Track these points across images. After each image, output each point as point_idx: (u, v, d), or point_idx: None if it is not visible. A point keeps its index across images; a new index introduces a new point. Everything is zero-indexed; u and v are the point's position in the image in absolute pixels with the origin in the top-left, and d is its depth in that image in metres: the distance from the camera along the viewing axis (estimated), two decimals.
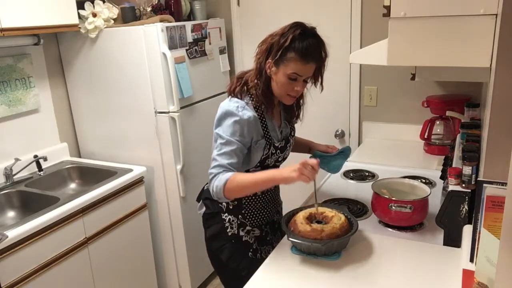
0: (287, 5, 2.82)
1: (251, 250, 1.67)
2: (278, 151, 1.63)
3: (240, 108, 1.51)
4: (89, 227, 2.10)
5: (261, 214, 1.69)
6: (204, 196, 1.72)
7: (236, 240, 1.65)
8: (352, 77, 2.77)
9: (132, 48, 2.38)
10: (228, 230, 1.65)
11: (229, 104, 1.54)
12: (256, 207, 1.67)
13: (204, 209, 1.72)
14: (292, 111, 1.72)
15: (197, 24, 2.60)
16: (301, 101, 1.70)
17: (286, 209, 1.68)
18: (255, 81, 1.54)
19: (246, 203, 1.65)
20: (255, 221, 1.68)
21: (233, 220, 1.65)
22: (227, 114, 1.52)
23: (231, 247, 1.65)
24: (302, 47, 1.44)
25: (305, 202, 1.90)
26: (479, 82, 2.30)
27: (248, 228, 1.67)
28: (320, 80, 1.57)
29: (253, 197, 1.65)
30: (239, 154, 1.51)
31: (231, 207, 1.65)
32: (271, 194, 1.72)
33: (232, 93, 1.58)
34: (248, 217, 1.66)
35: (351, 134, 2.87)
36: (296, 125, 1.78)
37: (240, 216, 1.65)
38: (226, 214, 1.65)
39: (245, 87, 1.57)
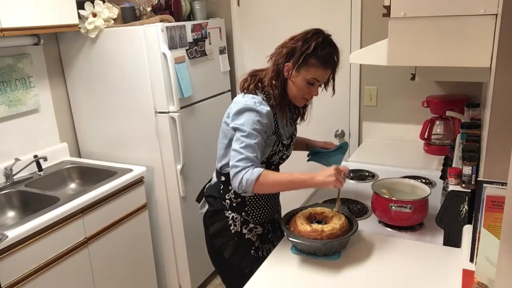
0: (287, 5, 2.82)
1: (253, 248, 1.68)
2: (284, 148, 1.66)
3: (257, 103, 1.53)
4: (89, 227, 2.10)
5: (263, 211, 1.70)
6: (207, 194, 1.73)
7: (239, 238, 1.66)
8: (352, 77, 2.77)
9: (132, 48, 2.38)
10: (231, 228, 1.66)
11: (246, 99, 1.55)
12: (259, 204, 1.68)
13: (206, 207, 1.73)
14: (298, 111, 1.76)
15: (197, 24, 2.60)
16: (308, 101, 1.73)
17: (286, 209, 1.68)
18: (273, 82, 1.57)
19: (250, 200, 1.66)
20: (258, 218, 1.69)
21: (236, 218, 1.66)
22: (246, 108, 1.52)
23: (234, 244, 1.66)
24: (324, 54, 1.50)
25: (305, 202, 1.90)
26: (479, 82, 2.30)
27: (251, 225, 1.68)
28: (332, 84, 1.63)
29: (257, 194, 1.67)
30: (260, 148, 1.52)
31: (234, 205, 1.66)
32: (274, 192, 1.74)
33: (246, 89, 1.60)
34: (251, 214, 1.67)
35: (351, 134, 2.87)
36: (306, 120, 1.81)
37: (243, 213, 1.66)
38: (230, 212, 1.66)
39: (259, 84, 1.60)
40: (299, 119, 1.78)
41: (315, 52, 1.49)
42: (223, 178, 1.66)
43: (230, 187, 1.64)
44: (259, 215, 1.69)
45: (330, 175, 1.43)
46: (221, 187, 1.67)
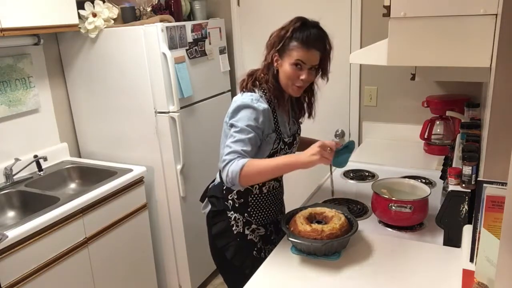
0: (287, 5, 2.82)
1: (255, 249, 1.68)
2: (286, 146, 1.66)
3: (255, 100, 1.54)
4: (89, 227, 2.10)
5: (266, 212, 1.70)
6: (210, 194, 1.73)
7: (241, 239, 1.66)
8: (352, 77, 2.77)
9: (132, 48, 2.38)
10: (233, 228, 1.66)
11: (244, 97, 1.56)
12: (261, 205, 1.68)
13: (209, 207, 1.73)
14: (301, 109, 1.75)
15: (197, 24, 2.60)
16: (312, 98, 1.73)
17: (286, 209, 1.68)
18: (263, 75, 1.58)
19: (252, 201, 1.66)
20: (261, 219, 1.69)
21: (238, 218, 1.66)
22: (242, 106, 1.53)
23: (236, 245, 1.66)
24: (302, 35, 1.50)
25: (305, 202, 1.90)
26: (479, 82, 2.30)
27: (253, 226, 1.68)
28: (326, 72, 1.61)
29: (259, 195, 1.67)
30: (253, 143, 1.50)
31: (237, 205, 1.65)
32: (276, 193, 1.74)
33: (244, 88, 1.61)
34: (254, 215, 1.67)
35: (351, 134, 2.87)
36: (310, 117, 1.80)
37: (246, 214, 1.66)
38: (232, 212, 1.66)
39: (257, 82, 1.61)
40: (305, 116, 1.77)
41: (294, 35, 1.50)
42: None
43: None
44: (262, 216, 1.69)
45: (314, 153, 1.39)
46: (224, 187, 1.67)
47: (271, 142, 1.59)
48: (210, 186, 1.78)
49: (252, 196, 1.66)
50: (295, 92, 1.60)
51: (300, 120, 1.79)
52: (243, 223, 1.66)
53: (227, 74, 2.96)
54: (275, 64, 1.56)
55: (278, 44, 1.53)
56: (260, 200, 1.67)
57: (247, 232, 1.67)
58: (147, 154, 2.55)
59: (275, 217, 1.75)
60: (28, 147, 2.43)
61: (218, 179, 1.73)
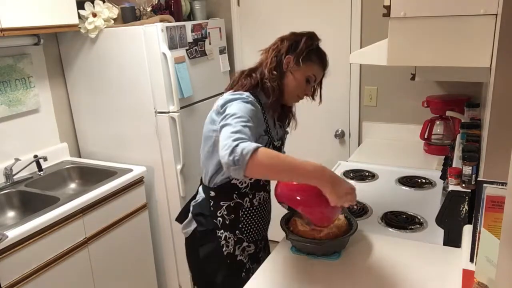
0: (287, 5, 2.82)
1: (244, 270, 1.60)
2: (276, 150, 1.60)
3: (246, 97, 1.42)
4: (89, 227, 2.10)
5: (257, 227, 1.62)
6: (196, 212, 1.59)
7: (231, 260, 1.57)
8: (352, 77, 2.77)
9: (132, 48, 2.38)
10: (224, 249, 1.55)
11: (233, 93, 1.44)
12: (253, 219, 1.60)
13: (192, 227, 1.60)
14: (283, 114, 1.65)
15: (197, 24, 2.60)
16: (293, 108, 1.68)
17: (281, 215, 1.61)
18: (274, 72, 1.48)
19: (244, 216, 1.57)
20: (252, 235, 1.61)
21: (229, 237, 1.55)
22: (235, 98, 1.39)
23: (226, 269, 1.56)
24: (323, 54, 1.54)
25: None
26: (479, 82, 2.30)
27: (244, 244, 1.59)
28: (319, 91, 1.61)
29: (250, 209, 1.58)
30: (253, 134, 1.29)
31: (227, 222, 1.55)
32: (267, 205, 1.66)
33: (240, 86, 1.49)
34: (245, 231, 1.59)
35: (351, 134, 2.87)
36: (297, 126, 1.75)
37: (237, 231, 1.57)
38: (222, 231, 1.55)
39: (259, 82, 1.50)
40: (291, 124, 1.69)
41: (318, 50, 1.52)
42: (212, 194, 1.55)
43: (221, 203, 1.54)
44: (254, 231, 1.61)
45: (349, 192, 1.27)
46: (211, 204, 1.55)
47: (263, 144, 1.48)
48: (192, 204, 1.64)
49: (244, 210, 1.56)
50: (294, 101, 1.59)
51: (287, 129, 1.70)
52: (234, 242, 1.56)
53: (227, 74, 2.96)
54: (286, 66, 1.49)
55: (302, 51, 1.47)
56: (251, 214, 1.59)
57: (237, 252, 1.57)
58: (147, 154, 2.55)
59: (265, 231, 1.69)
60: (28, 147, 2.43)
61: (201, 195, 1.60)
